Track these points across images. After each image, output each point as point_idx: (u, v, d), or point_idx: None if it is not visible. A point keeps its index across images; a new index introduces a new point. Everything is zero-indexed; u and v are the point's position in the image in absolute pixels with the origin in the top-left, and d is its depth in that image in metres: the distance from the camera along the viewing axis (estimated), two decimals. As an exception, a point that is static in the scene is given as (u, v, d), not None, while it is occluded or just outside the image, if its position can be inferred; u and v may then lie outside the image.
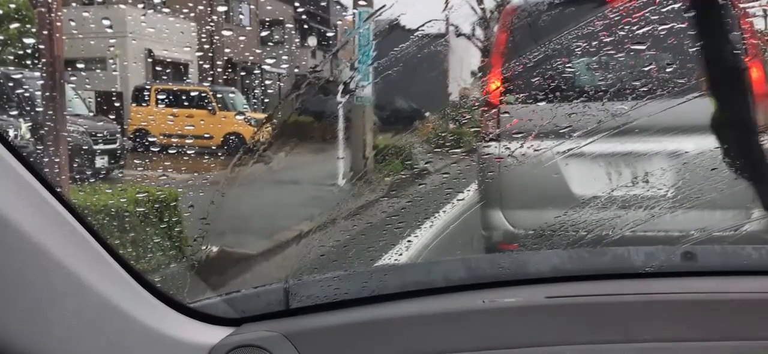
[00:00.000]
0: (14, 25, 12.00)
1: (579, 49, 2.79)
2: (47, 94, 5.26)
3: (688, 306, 1.43)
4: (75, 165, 9.76)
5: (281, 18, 32.77)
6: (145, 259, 4.79)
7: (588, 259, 1.69)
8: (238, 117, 18.72)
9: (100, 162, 11.62)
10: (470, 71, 27.41)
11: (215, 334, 1.35)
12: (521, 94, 3.81)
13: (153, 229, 5.33)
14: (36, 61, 7.03)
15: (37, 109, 7.74)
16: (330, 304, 1.46)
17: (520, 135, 3.32)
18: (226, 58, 27.48)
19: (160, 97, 18.96)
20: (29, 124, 9.42)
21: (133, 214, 5.12)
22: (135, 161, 12.34)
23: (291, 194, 9.86)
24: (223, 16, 28.59)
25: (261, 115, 19.65)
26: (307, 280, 1.63)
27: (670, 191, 3.09)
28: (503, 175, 4.05)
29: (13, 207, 0.97)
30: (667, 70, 3.27)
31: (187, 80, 24.78)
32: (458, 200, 6.06)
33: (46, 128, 5.40)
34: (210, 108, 18.66)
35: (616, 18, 2.28)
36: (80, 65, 15.70)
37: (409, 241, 4.07)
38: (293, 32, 32.66)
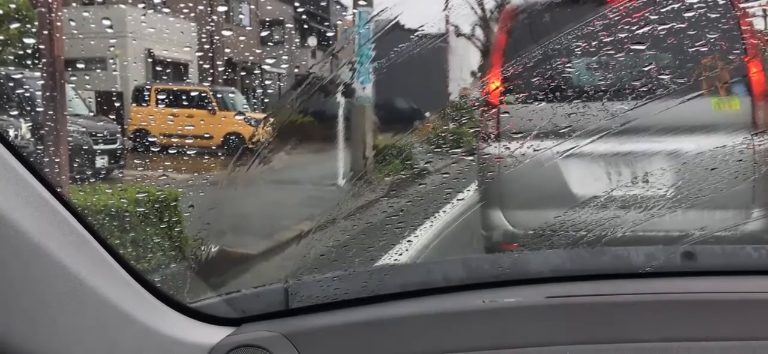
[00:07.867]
0: (14, 25, 11.98)
1: (579, 49, 2.79)
2: (47, 94, 5.26)
3: (688, 306, 1.43)
4: (75, 165, 9.74)
5: (281, 18, 32.75)
6: (145, 259, 4.78)
7: (588, 259, 1.69)
8: (238, 117, 18.68)
9: (100, 162, 11.60)
10: (470, 71, 27.39)
11: (215, 334, 1.35)
12: (521, 94, 3.80)
13: (153, 229, 5.32)
14: (36, 61, 7.03)
15: (38, 109, 7.73)
16: (330, 304, 1.46)
17: (520, 135, 3.32)
18: (226, 58, 27.45)
19: (160, 97, 18.92)
20: (29, 124, 9.41)
21: (133, 214, 5.11)
22: (135, 161, 12.31)
23: (291, 194, 9.83)
24: (223, 16, 28.55)
25: (261, 115, 19.61)
26: (307, 280, 1.64)
27: (670, 191, 3.09)
28: (503, 175, 4.05)
29: (13, 207, 0.97)
30: (667, 70, 3.27)
31: (187, 80, 24.74)
32: (458, 200, 6.05)
33: (46, 128, 5.40)
34: (210, 108, 18.62)
35: (616, 18, 2.28)
36: (80, 65, 15.67)
37: (409, 241, 4.07)
38: (293, 32, 32.63)
